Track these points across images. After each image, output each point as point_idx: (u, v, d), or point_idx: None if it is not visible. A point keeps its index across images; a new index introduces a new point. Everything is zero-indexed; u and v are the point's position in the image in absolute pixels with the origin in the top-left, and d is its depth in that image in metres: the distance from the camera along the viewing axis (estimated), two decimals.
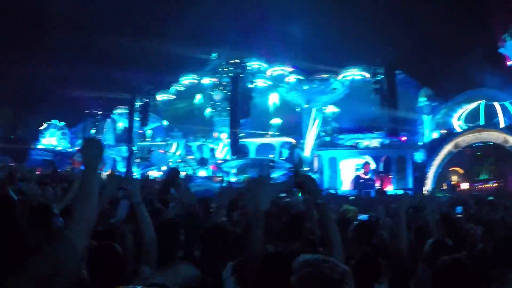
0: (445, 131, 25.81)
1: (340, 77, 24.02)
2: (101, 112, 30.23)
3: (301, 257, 1.51)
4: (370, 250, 3.04)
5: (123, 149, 26.81)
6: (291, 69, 23.93)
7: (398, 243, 3.21)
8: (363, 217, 5.30)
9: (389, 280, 2.76)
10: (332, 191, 17.39)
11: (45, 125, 33.98)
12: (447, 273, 2.30)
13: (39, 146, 33.65)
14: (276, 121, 22.83)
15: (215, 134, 24.03)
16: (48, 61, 28.62)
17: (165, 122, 27.09)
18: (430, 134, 25.64)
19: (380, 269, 2.64)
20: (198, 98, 25.43)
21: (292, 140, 22.78)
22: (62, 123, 33.37)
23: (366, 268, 2.55)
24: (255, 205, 2.43)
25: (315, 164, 22.24)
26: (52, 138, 33.64)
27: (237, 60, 23.13)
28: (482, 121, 24.81)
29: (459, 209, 7.35)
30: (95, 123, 30.79)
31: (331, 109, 24.12)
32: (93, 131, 30.29)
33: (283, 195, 6.88)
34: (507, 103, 24.67)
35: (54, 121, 33.89)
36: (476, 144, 24.04)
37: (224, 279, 2.31)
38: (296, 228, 2.87)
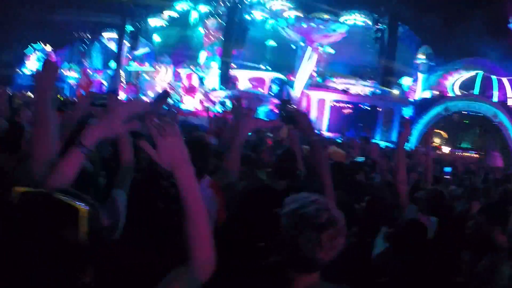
0: (437, 92, 25.77)
1: (341, 19, 23.33)
2: (89, 35, 29.07)
3: (293, 194, 1.43)
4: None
5: (111, 73, 26.04)
6: (291, 6, 23.08)
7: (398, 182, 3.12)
8: (360, 159, 5.14)
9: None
10: (317, 131, 17.18)
11: (30, 49, 32.86)
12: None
13: (24, 70, 32.71)
14: (271, 43, 22.22)
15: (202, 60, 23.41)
16: None
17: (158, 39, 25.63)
18: (422, 92, 25.59)
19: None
20: (193, 19, 24.36)
21: (283, 77, 22.34)
22: (49, 47, 32.27)
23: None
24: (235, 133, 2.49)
25: (303, 104, 21.99)
26: (38, 62, 32.56)
27: None
28: (476, 91, 24.82)
29: (447, 169, 7.15)
30: (83, 45, 29.67)
31: (327, 50, 23.56)
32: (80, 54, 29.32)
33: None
34: (504, 79, 24.59)
35: (39, 45, 32.76)
36: (466, 112, 24.14)
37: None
38: (286, 164, 2.73)
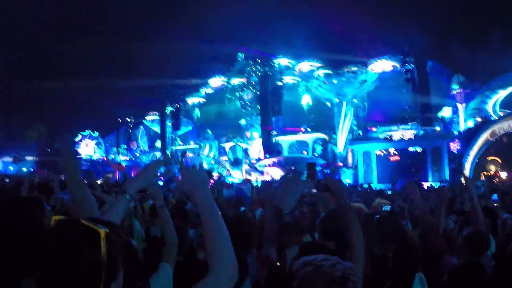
0: (480, 119, 25.05)
1: (369, 68, 23.69)
2: (133, 120, 31.06)
3: (301, 258, 1.47)
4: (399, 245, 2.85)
5: (158, 154, 27.44)
6: (319, 64, 23.79)
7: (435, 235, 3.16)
8: (386, 207, 4.96)
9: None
10: (365, 185, 17.10)
11: (80, 136, 35.22)
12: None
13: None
14: (307, 102, 22.31)
15: (248, 134, 24.19)
16: (79, 72, 29.72)
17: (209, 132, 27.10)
18: (465, 123, 24.92)
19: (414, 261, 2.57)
20: (228, 92, 25.58)
21: (325, 136, 22.63)
22: (96, 133, 34.58)
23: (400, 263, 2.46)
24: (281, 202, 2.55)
25: (349, 159, 22.04)
26: (88, 148, 34.86)
27: (264, 59, 23.22)
28: None
29: (494, 196, 7.18)
30: (128, 130, 31.63)
31: (362, 101, 23.82)
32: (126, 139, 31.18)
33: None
34: None
35: (88, 131, 35.08)
36: None
37: (249, 263, 2.45)
38: (330, 226, 2.75)
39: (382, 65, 24.09)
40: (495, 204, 6.31)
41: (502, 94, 25.00)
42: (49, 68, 30.99)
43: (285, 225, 2.94)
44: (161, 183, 11.28)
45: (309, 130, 22.85)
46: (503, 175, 23.18)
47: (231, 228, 1.65)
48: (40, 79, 29.34)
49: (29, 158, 34.57)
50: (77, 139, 35.36)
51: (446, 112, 25.31)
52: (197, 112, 28.26)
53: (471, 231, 3.24)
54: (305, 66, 23.84)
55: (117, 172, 27.24)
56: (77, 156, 1.97)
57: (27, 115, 34.26)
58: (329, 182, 2.35)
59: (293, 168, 18.80)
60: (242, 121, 24.90)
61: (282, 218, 3.18)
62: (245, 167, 22.99)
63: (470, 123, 24.70)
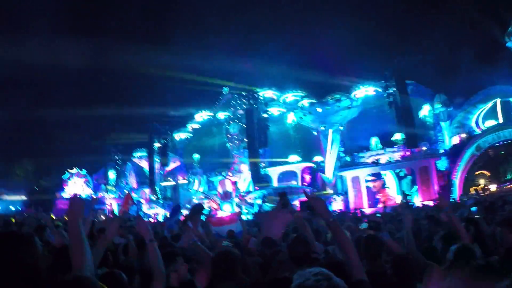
0: (465, 135, 25.45)
1: (352, 95, 24.09)
2: (121, 157, 30.88)
3: (297, 273, 1.56)
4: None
5: (147, 190, 27.17)
6: (303, 94, 24.15)
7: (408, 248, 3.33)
8: (363, 225, 5.25)
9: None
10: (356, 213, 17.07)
11: (67, 174, 34.80)
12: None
13: (63, 195, 34.32)
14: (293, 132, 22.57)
15: (236, 166, 24.17)
16: (63, 109, 29.58)
17: (196, 156, 27.30)
18: (450, 140, 25.27)
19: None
20: (214, 126, 25.70)
21: (313, 165, 22.72)
22: (84, 171, 34.18)
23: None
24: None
25: (338, 186, 22.08)
26: (76, 186, 34.39)
27: (249, 91, 23.49)
28: (500, 119, 24.41)
29: (473, 208, 7.37)
30: (116, 167, 31.39)
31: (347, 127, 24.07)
32: (113, 176, 30.92)
33: None
34: None
35: (76, 169, 34.68)
36: (498, 144, 23.51)
37: None
38: (297, 250, 2.91)
39: (366, 90, 24.53)
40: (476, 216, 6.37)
41: (483, 108, 25.56)
42: (28, 101, 30.85)
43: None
44: None
45: (298, 159, 22.94)
46: (493, 187, 23.37)
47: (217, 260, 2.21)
48: (26, 114, 29.21)
49: (16, 197, 34.01)
50: (66, 177, 34.94)
51: (425, 110, 25.60)
52: (184, 148, 28.21)
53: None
54: (290, 96, 24.19)
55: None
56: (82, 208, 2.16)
57: (13, 151, 33.93)
58: (312, 201, 2.38)
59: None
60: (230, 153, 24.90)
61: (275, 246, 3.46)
62: (236, 200, 22.86)
63: (456, 139, 25.09)
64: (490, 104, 24.98)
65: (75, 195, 2.51)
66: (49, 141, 34.04)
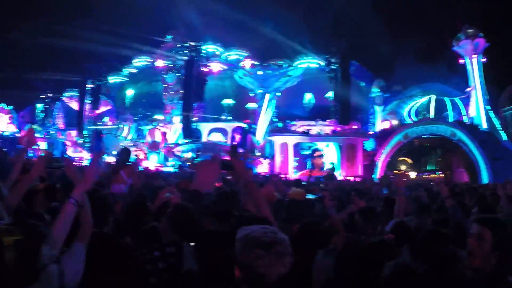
0: (396, 121, 26.73)
1: (295, 64, 24.17)
2: (51, 95, 28.86)
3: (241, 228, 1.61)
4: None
5: (73, 133, 25.75)
6: (247, 54, 23.79)
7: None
8: (310, 196, 5.37)
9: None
10: (282, 176, 17.48)
11: None
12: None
13: None
14: (228, 101, 22.67)
15: (167, 117, 23.53)
16: None
17: (129, 101, 26.01)
18: (380, 124, 26.44)
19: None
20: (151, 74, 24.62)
21: (245, 125, 22.72)
22: (10, 107, 31.76)
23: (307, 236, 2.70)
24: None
25: (267, 149, 22.36)
26: (0, 122, 31.84)
27: (192, 43, 22.68)
28: (432, 114, 25.76)
29: (384, 190, 7.88)
30: (44, 106, 29.35)
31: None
32: (42, 114, 28.94)
33: None
34: (457, 99, 26.00)
35: (1, 105, 32.17)
36: (425, 136, 24.81)
37: None
38: (226, 206, 2.97)
39: (309, 62, 24.76)
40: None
41: (418, 101, 26.91)
42: None
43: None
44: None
45: (230, 118, 22.82)
46: (413, 174, 24.79)
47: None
48: None
49: None
50: None
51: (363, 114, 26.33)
52: (117, 93, 26.91)
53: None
54: (232, 54, 23.75)
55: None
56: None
57: None
58: (233, 161, 2.50)
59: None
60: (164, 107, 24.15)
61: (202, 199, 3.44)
62: (163, 151, 22.39)
63: (386, 124, 26.28)
64: (425, 99, 26.36)
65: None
66: None
